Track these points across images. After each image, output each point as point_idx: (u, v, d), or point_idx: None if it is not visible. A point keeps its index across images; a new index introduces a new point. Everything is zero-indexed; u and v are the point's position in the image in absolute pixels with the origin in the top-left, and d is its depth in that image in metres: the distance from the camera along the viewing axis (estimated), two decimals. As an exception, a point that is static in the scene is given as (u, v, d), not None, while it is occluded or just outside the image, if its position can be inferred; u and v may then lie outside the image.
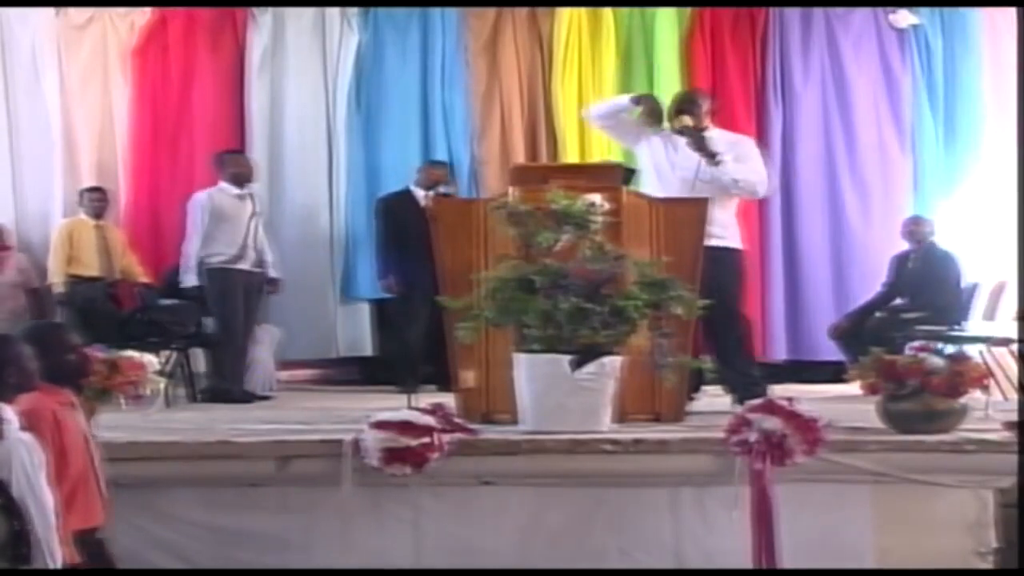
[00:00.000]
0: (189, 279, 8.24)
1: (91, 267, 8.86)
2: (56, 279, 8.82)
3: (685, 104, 7.03)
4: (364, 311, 9.69)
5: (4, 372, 3.72)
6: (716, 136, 6.95)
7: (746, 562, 5.32)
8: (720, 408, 6.44)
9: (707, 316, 6.08)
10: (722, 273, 6.70)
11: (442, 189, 9.01)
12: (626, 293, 5.70)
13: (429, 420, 5.45)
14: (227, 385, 8.10)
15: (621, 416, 5.95)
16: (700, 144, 6.81)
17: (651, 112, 7.02)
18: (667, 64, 9.63)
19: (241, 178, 8.40)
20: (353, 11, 9.68)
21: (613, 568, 5.53)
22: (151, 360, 5.78)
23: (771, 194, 7.48)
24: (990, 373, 6.78)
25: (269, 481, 5.57)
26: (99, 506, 4.18)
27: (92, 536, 4.26)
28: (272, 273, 8.54)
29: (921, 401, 5.62)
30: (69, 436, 4.02)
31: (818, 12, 9.72)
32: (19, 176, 9.48)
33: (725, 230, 6.85)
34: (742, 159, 6.89)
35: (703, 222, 6.47)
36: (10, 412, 3.65)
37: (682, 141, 6.85)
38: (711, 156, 6.77)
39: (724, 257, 6.77)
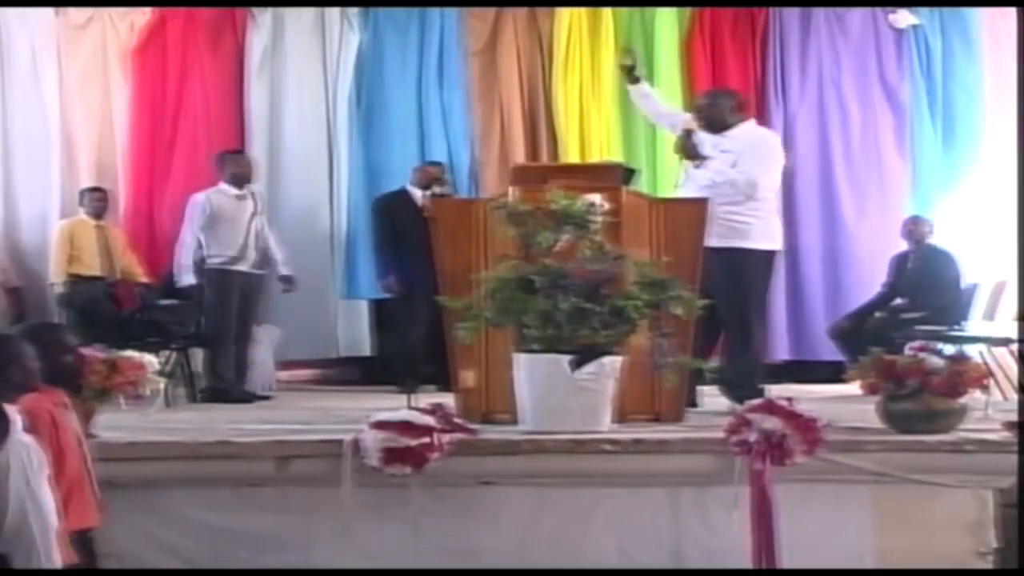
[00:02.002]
0: (186, 279, 8.21)
1: (92, 267, 8.86)
2: (57, 279, 8.81)
3: (693, 108, 7.16)
4: (364, 311, 9.69)
5: (7, 370, 3.72)
6: (735, 134, 6.93)
7: (746, 562, 5.33)
8: (720, 408, 6.45)
9: (705, 316, 6.09)
10: (723, 274, 6.70)
11: (437, 189, 9.02)
12: (626, 293, 5.70)
13: (429, 420, 5.45)
14: (223, 385, 8.09)
15: (621, 416, 5.95)
16: (680, 146, 6.91)
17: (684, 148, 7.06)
18: (667, 64, 9.63)
19: (241, 178, 8.38)
20: (353, 11, 9.68)
21: (613, 568, 5.53)
22: (151, 360, 5.77)
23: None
24: (990, 373, 6.78)
25: (269, 481, 5.57)
26: (94, 507, 4.19)
27: (88, 536, 4.27)
28: (283, 270, 8.51)
29: (921, 401, 5.62)
30: (66, 436, 4.02)
31: (818, 12, 9.72)
32: (17, 176, 9.47)
33: (733, 231, 6.82)
34: (741, 160, 6.87)
35: (703, 222, 6.46)
36: (15, 413, 3.65)
37: (706, 140, 6.90)
38: (691, 158, 6.85)
39: (727, 257, 6.74)
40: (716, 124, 6.96)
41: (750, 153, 6.89)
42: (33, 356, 3.83)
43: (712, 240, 6.63)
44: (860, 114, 9.66)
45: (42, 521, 3.55)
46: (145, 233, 9.45)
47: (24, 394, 3.77)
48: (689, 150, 6.87)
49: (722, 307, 6.64)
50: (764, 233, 6.95)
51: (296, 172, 9.63)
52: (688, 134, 6.94)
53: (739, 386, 6.61)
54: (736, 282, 6.83)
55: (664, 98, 7.49)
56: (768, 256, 6.99)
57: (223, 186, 8.33)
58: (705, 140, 6.92)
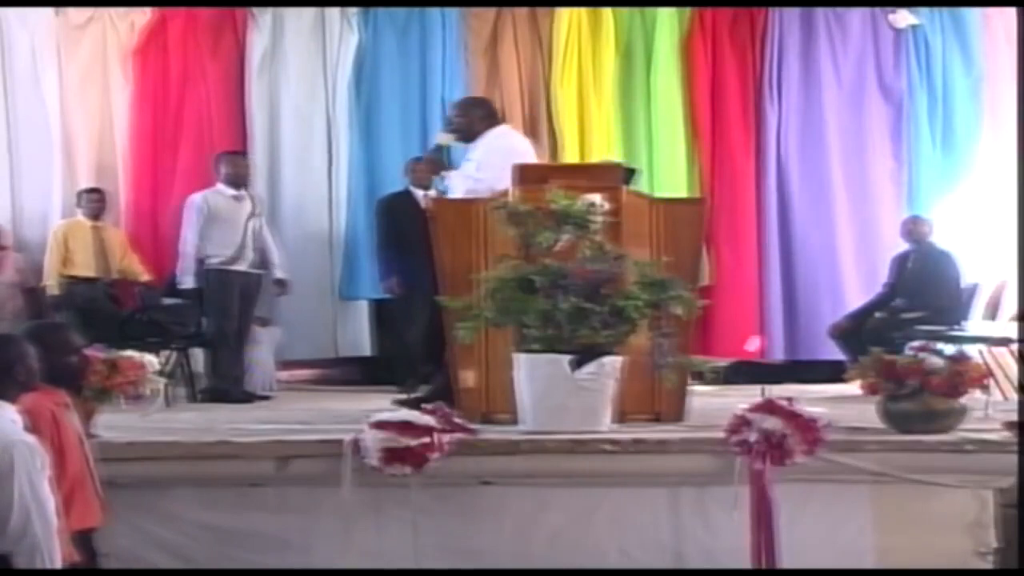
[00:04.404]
0: (187, 280, 8.26)
1: (87, 268, 8.84)
2: (50, 280, 8.80)
3: (446, 119, 7.33)
4: (364, 311, 9.68)
5: (13, 370, 3.72)
6: (483, 142, 6.91)
7: (746, 562, 5.33)
8: (717, 408, 6.44)
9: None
10: None
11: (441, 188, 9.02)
12: (626, 293, 5.70)
13: (429, 420, 5.45)
14: (224, 385, 8.10)
15: (621, 416, 5.96)
16: (427, 161, 7.15)
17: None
18: (667, 64, 9.63)
19: (237, 179, 8.42)
20: (353, 11, 9.67)
21: (613, 568, 5.53)
22: (151, 360, 5.78)
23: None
24: (990, 373, 6.78)
25: (269, 481, 5.58)
26: (97, 507, 4.19)
27: (89, 536, 4.27)
28: (278, 274, 8.57)
29: (921, 401, 5.62)
30: (67, 436, 4.02)
31: (817, 13, 9.72)
32: (18, 176, 9.46)
33: None
34: (482, 166, 6.77)
35: (702, 222, 6.47)
36: (15, 413, 3.65)
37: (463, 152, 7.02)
38: (435, 172, 7.09)
39: None
40: (467, 134, 6.98)
41: (488, 158, 6.82)
42: (35, 356, 3.84)
43: None
44: (858, 114, 9.66)
45: (45, 521, 3.56)
46: (147, 233, 9.44)
47: (25, 393, 3.77)
48: (434, 164, 7.06)
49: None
50: None
51: (296, 172, 9.63)
52: (438, 149, 7.11)
53: None
54: None
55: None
56: None
57: (220, 186, 8.38)
58: (461, 150, 7.01)
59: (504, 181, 6.55)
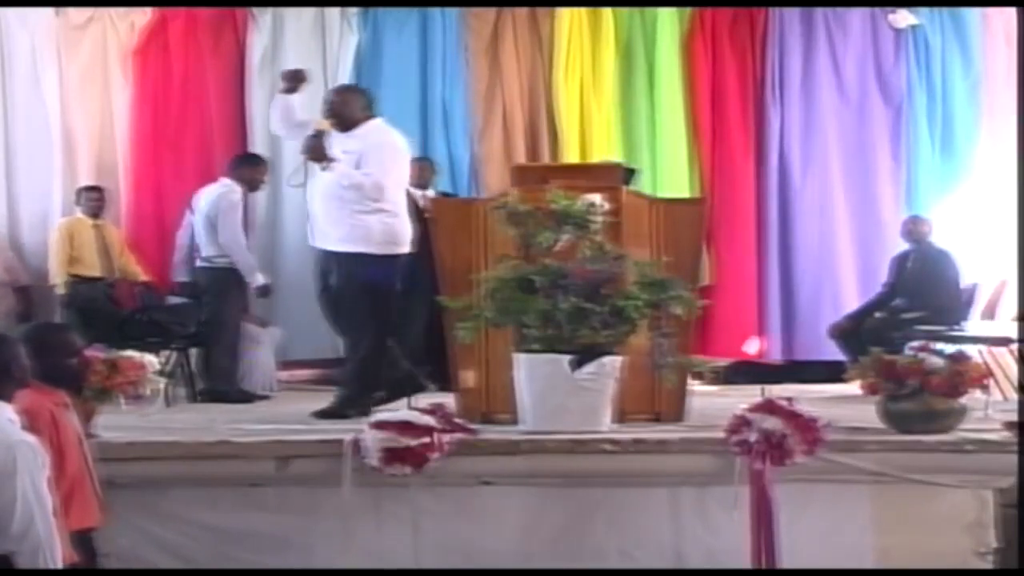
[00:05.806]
0: (259, 278, 8.22)
1: (92, 267, 8.82)
2: (58, 279, 8.79)
3: (324, 105, 7.00)
4: (365, 311, 9.67)
5: (11, 368, 3.72)
6: (360, 133, 6.78)
7: (746, 562, 5.33)
8: (720, 408, 6.44)
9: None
10: (343, 277, 6.70)
11: (440, 188, 9.00)
12: (626, 293, 5.71)
13: (429, 420, 5.45)
14: (223, 386, 8.10)
15: (621, 416, 5.96)
16: (308, 147, 6.79)
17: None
18: (667, 64, 9.63)
19: (255, 184, 8.44)
20: (353, 11, 9.66)
21: (613, 568, 5.53)
22: (151, 360, 5.78)
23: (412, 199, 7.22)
24: (990, 373, 6.78)
25: (269, 481, 5.58)
26: (96, 507, 4.19)
27: (89, 536, 4.28)
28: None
29: (921, 401, 5.63)
30: (66, 436, 4.02)
31: (818, 12, 9.71)
32: (17, 177, 9.46)
33: (356, 234, 6.66)
34: (365, 161, 6.67)
35: (702, 222, 6.47)
36: (12, 412, 3.65)
37: (334, 140, 6.79)
38: (318, 160, 6.75)
39: (348, 261, 6.66)
40: (346, 121, 6.82)
41: (374, 153, 6.70)
42: (26, 354, 3.83)
43: (333, 243, 6.66)
44: (858, 114, 9.66)
45: (47, 521, 3.56)
46: (147, 233, 9.43)
47: (19, 391, 3.76)
48: (317, 152, 6.76)
49: (343, 310, 6.73)
50: (387, 236, 6.70)
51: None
52: (319, 135, 6.84)
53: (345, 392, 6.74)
54: (358, 286, 6.68)
55: (303, 109, 7.27)
56: (390, 260, 6.71)
57: (231, 184, 8.30)
58: (333, 141, 6.79)
59: (387, 176, 6.61)
